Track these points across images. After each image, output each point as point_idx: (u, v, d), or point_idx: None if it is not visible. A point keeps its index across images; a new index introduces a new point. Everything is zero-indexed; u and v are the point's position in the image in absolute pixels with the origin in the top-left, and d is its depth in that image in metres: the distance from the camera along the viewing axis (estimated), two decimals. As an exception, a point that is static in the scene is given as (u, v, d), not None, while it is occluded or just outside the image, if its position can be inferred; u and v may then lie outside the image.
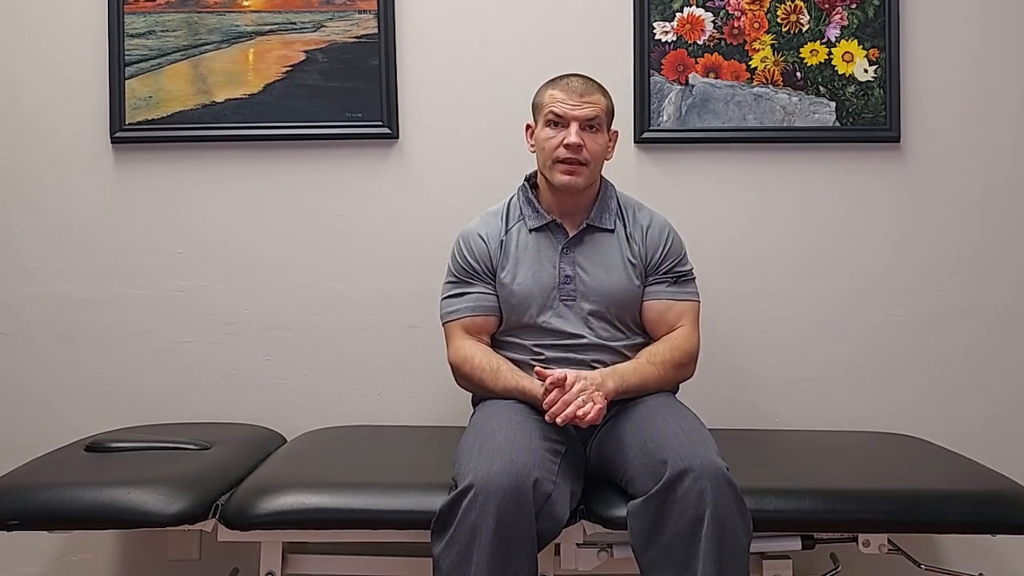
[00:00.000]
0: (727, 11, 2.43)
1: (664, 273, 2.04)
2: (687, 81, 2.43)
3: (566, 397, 1.80)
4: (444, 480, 1.77)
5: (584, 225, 2.03)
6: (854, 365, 2.44)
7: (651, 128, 2.43)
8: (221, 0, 2.46)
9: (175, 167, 2.47)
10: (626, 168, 2.42)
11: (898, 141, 2.42)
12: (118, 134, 2.45)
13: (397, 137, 2.45)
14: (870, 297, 2.44)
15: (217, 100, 2.45)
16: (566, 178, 1.97)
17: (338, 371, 2.46)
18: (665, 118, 2.43)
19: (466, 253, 2.06)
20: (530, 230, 2.04)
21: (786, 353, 2.44)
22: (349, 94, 2.44)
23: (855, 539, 1.89)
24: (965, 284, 2.44)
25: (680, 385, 2.09)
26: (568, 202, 2.04)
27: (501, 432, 1.76)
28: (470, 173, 2.45)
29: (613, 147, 2.07)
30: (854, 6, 2.41)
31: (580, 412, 1.77)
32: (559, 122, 1.97)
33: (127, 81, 2.44)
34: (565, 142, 1.95)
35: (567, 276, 2.00)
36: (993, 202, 2.44)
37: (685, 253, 2.09)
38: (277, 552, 1.89)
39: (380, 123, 2.44)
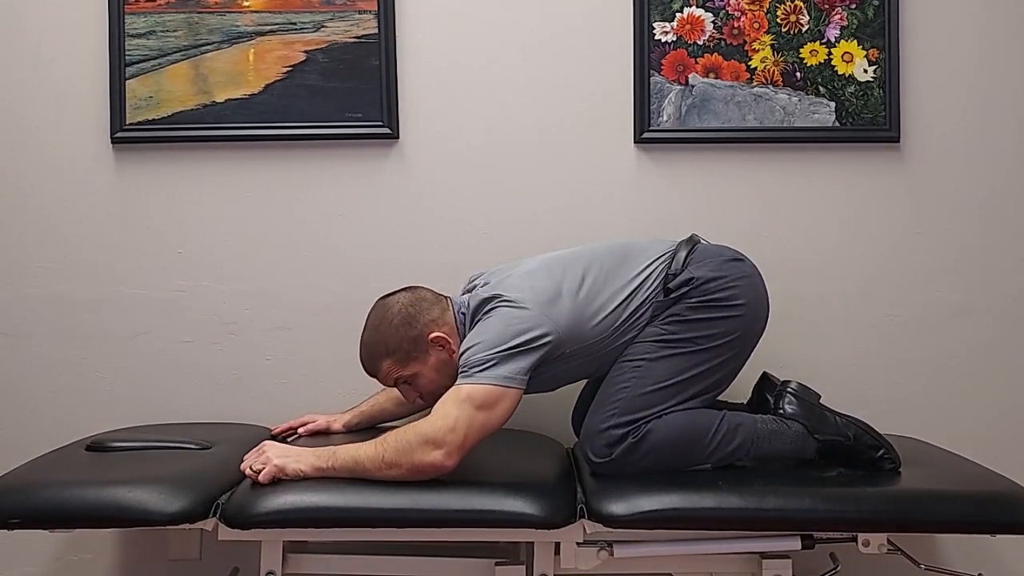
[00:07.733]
0: (727, 11, 2.43)
1: None
2: (687, 81, 2.43)
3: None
4: (443, 479, 1.77)
5: None
6: (853, 365, 2.45)
7: (651, 128, 2.43)
8: (221, 0, 2.46)
9: (175, 167, 2.47)
10: (626, 168, 2.42)
11: (898, 141, 2.42)
12: (118, 134, 2.45)
13: (397, 137, 2.46)
14: (870, 297, 2.45)
15: (217, 100, 2.45)
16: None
17: (338, 371, 2.45)
18: (665, 118, 2.43)
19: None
20: None
21: (785, 353, 2.44)
22: (349, 94, 2.44)
23: (855, 539, 1.89)
24: (965, 284, 2.44)
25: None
26: None
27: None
28: (470, 173, 2.45)
29: (445, 350, 1.99)
30: (854, 6, 2.42)
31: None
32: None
33: (127, 81, 2.44)
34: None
35: None
36: (993, 202, 2.44)
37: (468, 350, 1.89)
38: (277, 551, 1.89)
39: (380, 123, 2.44)
